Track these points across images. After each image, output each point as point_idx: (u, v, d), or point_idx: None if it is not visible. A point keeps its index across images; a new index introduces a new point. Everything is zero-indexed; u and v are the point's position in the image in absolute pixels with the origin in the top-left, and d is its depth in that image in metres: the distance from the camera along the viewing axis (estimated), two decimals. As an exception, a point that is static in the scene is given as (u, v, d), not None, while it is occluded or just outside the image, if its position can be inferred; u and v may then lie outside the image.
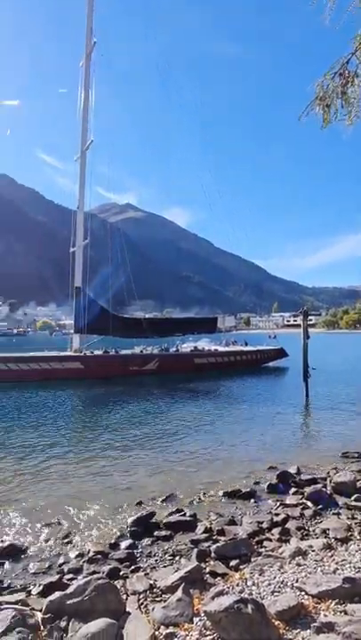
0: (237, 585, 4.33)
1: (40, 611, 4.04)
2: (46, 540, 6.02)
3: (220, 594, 4.03)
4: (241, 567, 4.90)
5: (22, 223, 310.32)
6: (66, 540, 6.00)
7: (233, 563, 5.04)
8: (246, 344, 32.71)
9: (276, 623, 3.61)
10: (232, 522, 6.40)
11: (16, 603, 4.25)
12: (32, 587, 4.80)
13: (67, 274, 27.56)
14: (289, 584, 4.24)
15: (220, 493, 7.61)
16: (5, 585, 4.87)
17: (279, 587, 4.22)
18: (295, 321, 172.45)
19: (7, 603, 4.23)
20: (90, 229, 28.25)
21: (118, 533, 6.18)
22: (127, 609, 4.14)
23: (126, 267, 29.47)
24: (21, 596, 4.54)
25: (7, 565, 5.38)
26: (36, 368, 24.44)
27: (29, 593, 4.64)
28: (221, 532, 6.01)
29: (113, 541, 5.93)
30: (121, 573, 5.04)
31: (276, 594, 4.07)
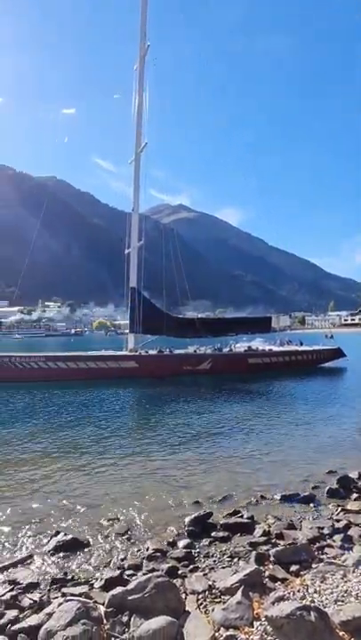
0: (298, 591, 4.24)
1: (103, 604, 4.16)
2: (106, 536, 6.18)
3: (281, 599, 3.96)
4: (302, 573, 4.79)
5: (79, 226, 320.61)
6: (125, 537, 6.13)
7: (293, 568, 4.93)
8: (301, 344, 31.94)
9: (341, 633, 3.50)
10: (291, 526, 6.27)
11: (80, 595, 4.39)
12: (94, 580, 4.93)
13: (122, 275, 28.15)
14: (353, 594, 4.10)
15: (278, 496, 7.48)
16: (69, 577, 5.05)
17: (343, 596, 4.09)
18: (353, 320, 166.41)
19: (72, 594, 4.38)
20: (144, 231, 28.70)
21: (176, 532, 6.24)
22: (187, 608, 4.17)
23: (180, 267, 29.65)
24: (85, 588, 4.68)
25: (70, 558, 5.57)
26: (94, 367, 25.16)
27: (92, 586, 4.78)
28: (280, 536, 5.90)
29: (171, 540, 5.99)
30: (180, 572, 5.08)
31: (339, 603, 3.95)
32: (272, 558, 5.19)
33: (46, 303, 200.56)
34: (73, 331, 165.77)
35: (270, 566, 5.04)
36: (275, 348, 30.21)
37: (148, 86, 28.04)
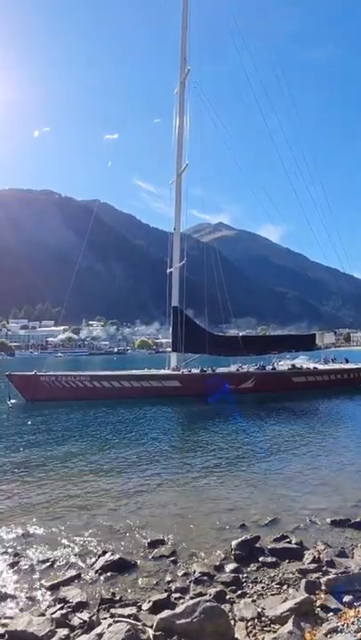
0: (353, 623, 4.07)
1: (151, 627, 4.15)
2: (153, 557, 6.17)
3: (335, 631, 3.83)
4: (355, 604, 4.60)
5: (121, 247, 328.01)
6: (172, 558, 6.10)
7: (346, 598, 4.74)
8: (347, 361, 31.02)
9: None
10: (342, 553, 6.04)
11: (128, 616, 4.40)
12: (142, 602, 4.94)
13: (163, 293, 28.45)
14: None
15: (328, 521, 7.24)
16: (117, 598, 5.08)
17: None
18: None
19: (120, 615, 4.40)
20: (185, 250, 29.01)
21: (223, 555, 6.15)
22: (236, 635, 4.10)
23: (222, 285, 29.67)
24: (133, 610, 4.69)
25: (118, 578, 5.60)
26: (137, 386, 25.41)
27: (140, 608, 4.78)
28: (331, 564, 5.70)
29: (218, 563, 5.91)
30: (227, 597, 5.00)
31: None
32: (323, 587, 5.02)
33: (90, 322, 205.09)
34: (116, 349, 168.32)
35: (322, 595, 4.87)
36: (319, 366, 29.49)
37: (188, 109, 28.64)
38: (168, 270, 28.72)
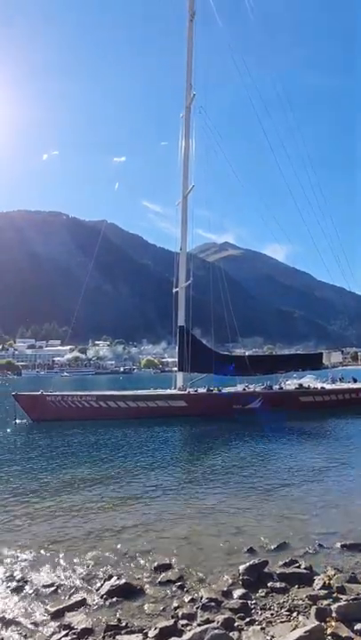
0: (365, 652, 3.96)
1: (157, 655, 4.05)
2: (159, 582, 6.05)
3: (346, 660, 3.72)
4: (368, 632, 4.47)
5: (128, 267, 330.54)
6: (178, 583, 5.98)
7: (358, 626, 4.61)
8: (355, 381, 30.75)
9: None
10: (353, 579, 5.89)
11: (134, 644, 4.31)
12: (148, 629, 4.82)
13: (169, 313, 28.56)
14: None
15: (338, 545, 7.09)
16: (123, 624, 4.97)
17: None
18: None
19: (126, 643, 4.31)
20: (191, 269, 29.19)
21: (230, 581, 6.02)
22: (245, 664, 3.99)
23: (228, 304, 29.74)
24: (139, 637, 4.59)
25: (123, 604, 5.49)
26: (144, 406, 25.30)
27: (146, 635, 4.67)
28: (342, 590, 5.56)
29: (225, 589, 5.78)
30: (236, 625, 4.88)
31: None
32: (334, 614, 4.88)
33: (96, 342, 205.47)
34: (122, 369, 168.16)
35: (333, 623, 4.74)
36: (327, 386, 29.24)
37: (194, 133, 29.20)
38: (174, 290, 28.87)
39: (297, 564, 6.38)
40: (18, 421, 23.77)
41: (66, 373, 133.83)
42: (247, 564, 6.25)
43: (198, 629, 4.14)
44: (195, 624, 4.81)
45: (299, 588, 5.76)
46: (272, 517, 8.58)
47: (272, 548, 7.11)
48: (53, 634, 4.81)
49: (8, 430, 21.50)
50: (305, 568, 6.23)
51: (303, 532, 7.78)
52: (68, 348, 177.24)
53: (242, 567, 6.21)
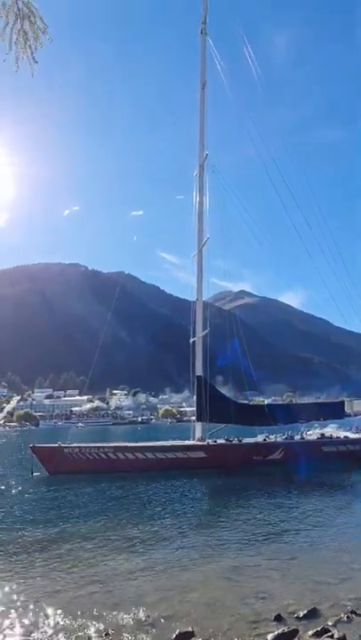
0: None
1: None
2: (181, 653, 5.70)
3: None
4: None
5: (146, 316, 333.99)
6: (202, 655, 5.62)
7: None
8: (381, 430, 29.72)
9: None
10: (391, 651, 5.47)
11: None
12: None
13: (186, 361, 28.45)
14: None
15: (372, 612, 6.62)
16: None
17: None
18: None
19: None
20: (208, 318, 29.36)
21: (258, 652, 5.64)
22: None
23: (245, 353, 29.59)
24: None
25: None
26: (162, 457, 24.74)
27: None
28: (379, 664, 5.15)
29: (253, 662, 5.41)
30: None
31: None
32: None
33: (113, 391, 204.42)
34: (140, 418, 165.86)
35: None
36: (351, 435, 28.30)
37: (207, 189, 30.23)
38: (191, 340, 28.93)
39: (330, 634, 5.95)
40: (35, 474, 23.40)
41: (81, 424, 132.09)
42: (275, 632, 5.88)
43: None
44: None
45: (332, 661, 5.35)
46: (299, 580, 8.11)
47: (301, 614, 6.66)
48: None
49: (25, 485, 21.10)
50: (338, 638, 5.81)
51: (334, 597, 7.31)
52: (86, 397, 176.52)
53: (270, 636, 5.84)
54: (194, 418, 29.03)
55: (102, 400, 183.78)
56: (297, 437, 27.47)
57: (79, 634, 6.25)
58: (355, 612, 6.67)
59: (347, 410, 31.41)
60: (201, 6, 31.14)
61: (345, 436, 27.96)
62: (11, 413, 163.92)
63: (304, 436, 27.92)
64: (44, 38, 3.95)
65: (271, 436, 27.39)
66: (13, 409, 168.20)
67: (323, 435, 28.05)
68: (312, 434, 28.36)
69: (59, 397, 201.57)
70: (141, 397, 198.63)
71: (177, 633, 6.18)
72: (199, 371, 27.95)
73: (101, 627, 6.43)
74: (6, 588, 7.98)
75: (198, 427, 27.72)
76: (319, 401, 71.62)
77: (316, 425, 29.92)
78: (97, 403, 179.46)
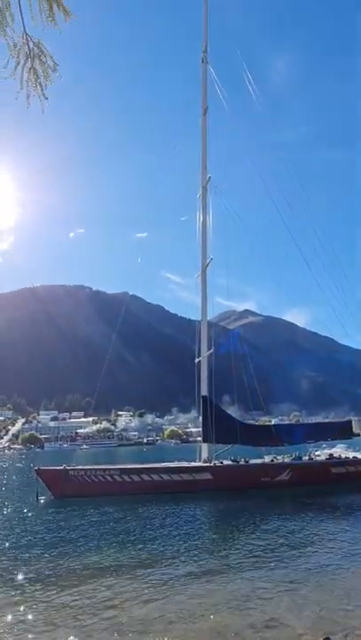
0: None
1: None
2: None
3: None
4: None
5: (150, 336, 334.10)
6: None
7: None
8: (390, 450, 29.27)
9: None
10: None
11: None
12: None
13: (191, 381, 28.32)
14: None
15: (386, 641, 6.44)
16: None
17: None
18: None
19: None
20: (213, 338, 29.33)
21: None
22: None
23: (250, 372, 29.45)
24: None
25: None
26: (168, 479, 24.42)
27: None
28: None
29: None
30: None
31: None
32: None
33: (119, 412, 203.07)
34: (145, 439, 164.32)
35: None
36: (360, 456, 27.87)
37: (210, 210, 30.58)
38: (196, 360, 28.86)
39: (342, 664, 5.78)
40: (41, 499, 23.15)
41: (85, 446, 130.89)
42: (286, 663, 5.71)
43: None
44: None
45: None
46: (310, 607, 7.90)
47: (314, 643, 6.50)
48: None
49: (31, 510, 20.84)
50: (351, 669, 5.64)
51: (348, 624, 7.11)
52: (91, 419, 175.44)
53: (281, 667, 5.67)
54: (200, 438, 28.75)
55: (108, 421, 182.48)
56: (305, 458, 27.09)
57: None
58: (368, 641, 6.49)
59: (355, 429, 30.96)
60: (202, 36, 32.07)
61: (354, 457, 27.55)
62: (16, 436, 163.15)
63: (312, 456, 27.53)
64: (54, 76, 4.09)
65: (279, 457, 27.03)
66: (18, 431, 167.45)
67: (331, 455, 27.65)
68: (320, 454, 27.96)
69: (64, 419, 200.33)
70: (148, 418, 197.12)
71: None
72: (204, 391, 27.80)
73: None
74: (9, 617, 7.84)
75: (205, 448, 27.43)
76: (327, 420, 70.79)
77: (325, 445, 29.53)
78: (104, 424, 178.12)
